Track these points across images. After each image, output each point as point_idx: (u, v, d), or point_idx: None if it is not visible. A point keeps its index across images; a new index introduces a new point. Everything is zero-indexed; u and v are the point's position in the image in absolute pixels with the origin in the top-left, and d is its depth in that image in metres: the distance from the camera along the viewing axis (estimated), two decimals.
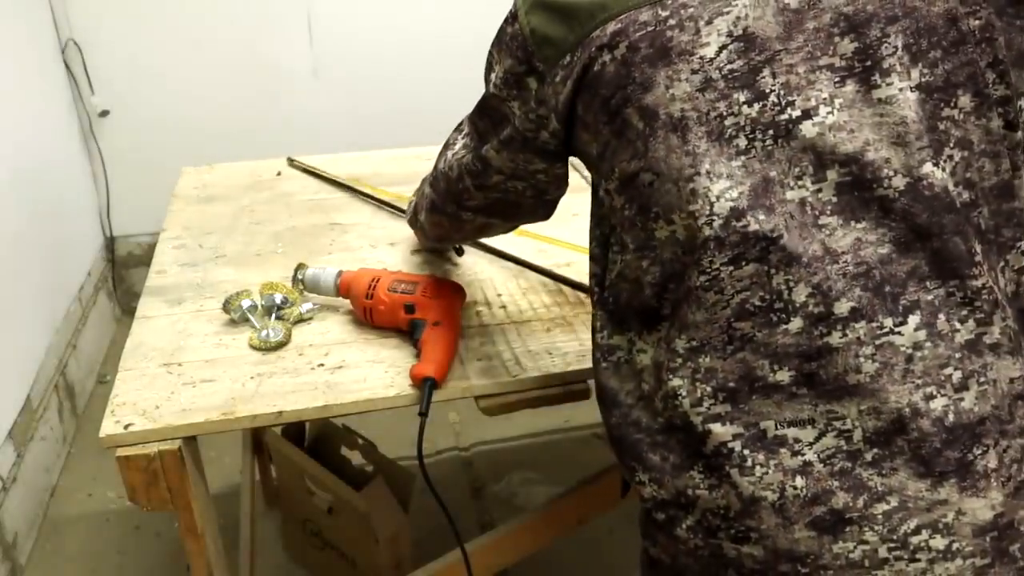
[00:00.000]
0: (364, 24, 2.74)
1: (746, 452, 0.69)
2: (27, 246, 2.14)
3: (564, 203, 1.58)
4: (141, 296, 1.23)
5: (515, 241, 1.36)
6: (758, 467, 0.69)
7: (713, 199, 0.67)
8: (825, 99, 0.66)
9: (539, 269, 1.27)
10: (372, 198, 1.53)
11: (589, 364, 1.06)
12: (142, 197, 2.70)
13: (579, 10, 0.72)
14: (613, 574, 1.86)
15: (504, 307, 1.19)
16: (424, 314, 1.07)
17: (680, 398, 0.71)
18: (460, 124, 0.96)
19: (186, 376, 1.03)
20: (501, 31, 0.80)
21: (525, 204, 0.94)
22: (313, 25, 2.70)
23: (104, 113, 2.65)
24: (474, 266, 1.31)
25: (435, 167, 1.02)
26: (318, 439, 1.73)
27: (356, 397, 1.00)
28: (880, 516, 0.66)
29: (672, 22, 0.68)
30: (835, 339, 0.66)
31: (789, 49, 0.67)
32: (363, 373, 1.04)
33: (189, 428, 0.95)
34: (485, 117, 0.87)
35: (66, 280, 2.44)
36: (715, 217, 0.67)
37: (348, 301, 1.15)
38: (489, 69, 0.84)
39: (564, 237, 1.38)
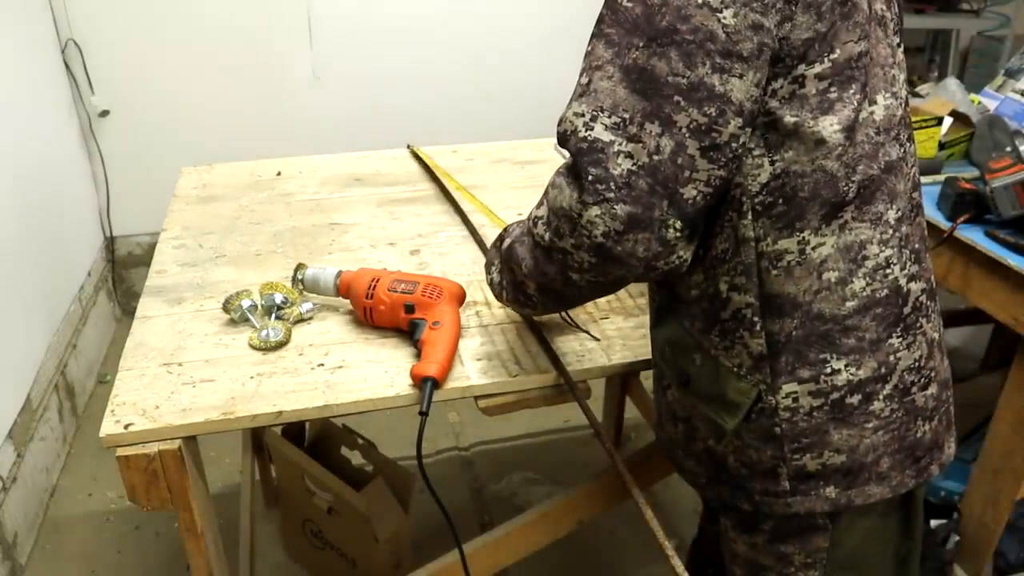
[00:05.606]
0: (364, 25, 2.74)
1: (929, 303, 0.85)
2: (27, 246, 2.14)
3: None
4: (141, 296, 1.23)
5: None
6: (933, 314, 0.85)
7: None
8: None
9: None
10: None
11: (589, 364, 1.06)
12: (142, 197, 2.71)
13: None
14: (613, 574, 1.86)
15: (504, 307, 1.19)
16: (424, 314, 1.07)
17: (891, 266, 0.81)
18: None
19: (186, 376, 1.03)
20: None
21: None
22: (313, 26, 2.71)
23: (104, 113, 2.65)
24: (474, 266, 1.31)
25: None
26: (318, 439, 1.73)
27: (356, 397, 1.00)
28: None
29: None
30: None
31: None
32: (363, 373, 1.04)
33: (189, 428, 0.95)
34: None
35: (66, 280, 2.44)
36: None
37: (348, 301, 1.15)
38: None
39: None
